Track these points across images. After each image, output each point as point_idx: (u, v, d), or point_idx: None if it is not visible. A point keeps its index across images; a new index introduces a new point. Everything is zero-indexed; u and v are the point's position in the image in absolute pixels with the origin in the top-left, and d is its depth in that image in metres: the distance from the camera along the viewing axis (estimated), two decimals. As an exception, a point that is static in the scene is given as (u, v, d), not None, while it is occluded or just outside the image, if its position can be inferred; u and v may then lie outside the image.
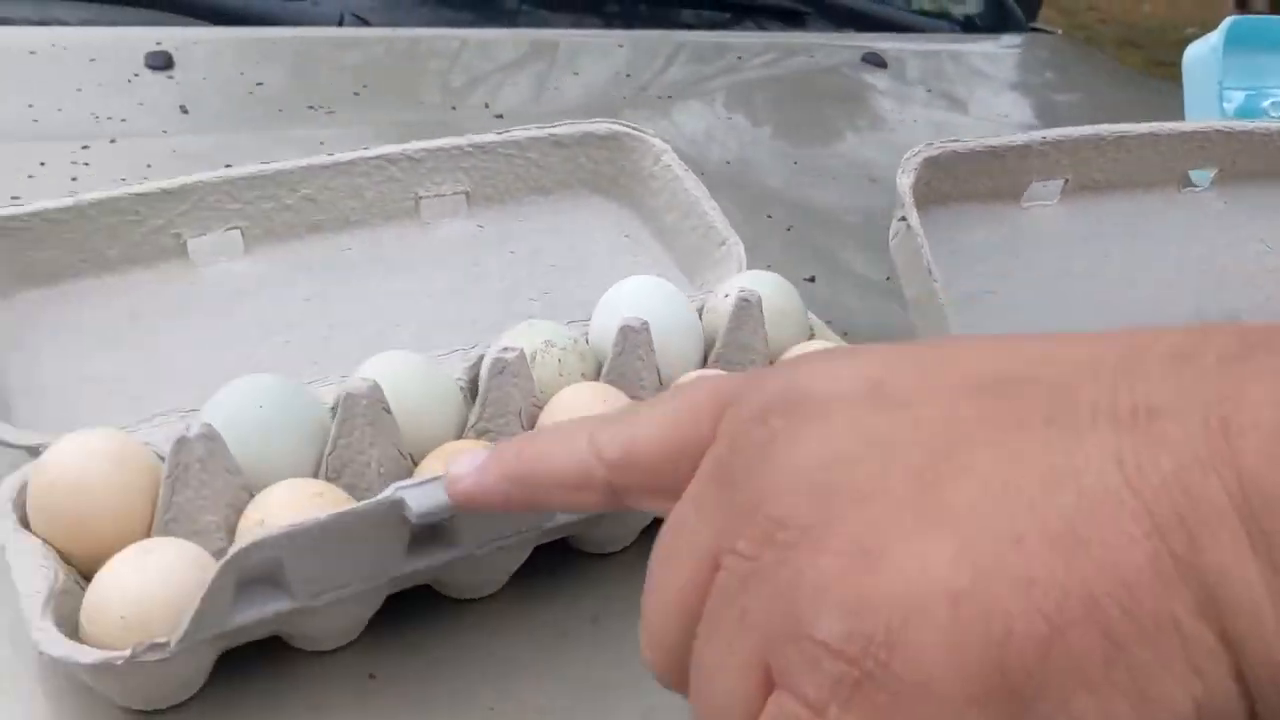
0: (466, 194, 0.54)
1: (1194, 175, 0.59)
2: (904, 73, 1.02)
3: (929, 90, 1.00)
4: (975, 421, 0.21)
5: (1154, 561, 0.18)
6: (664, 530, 0.24)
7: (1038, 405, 0.20)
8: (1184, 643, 0.18)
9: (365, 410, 0.38)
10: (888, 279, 0.64)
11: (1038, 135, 0.54)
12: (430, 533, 0.36)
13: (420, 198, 0.53)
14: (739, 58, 0.99)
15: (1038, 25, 1.34)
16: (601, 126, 0.56)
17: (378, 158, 0.51)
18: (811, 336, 0.49)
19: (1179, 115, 0.71)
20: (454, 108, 0.80)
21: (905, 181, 0.49)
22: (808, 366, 0.24)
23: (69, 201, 0.46)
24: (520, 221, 0.55)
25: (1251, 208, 0.60)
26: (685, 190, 0.55)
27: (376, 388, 0.38)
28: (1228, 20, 0.66)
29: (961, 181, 0.53)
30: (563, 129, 0.55)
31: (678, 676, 0.23)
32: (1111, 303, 0.55)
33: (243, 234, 0.49)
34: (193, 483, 0.36)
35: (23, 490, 0.37)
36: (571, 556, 0.42)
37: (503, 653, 0.38)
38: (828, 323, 0.52)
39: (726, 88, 0.92)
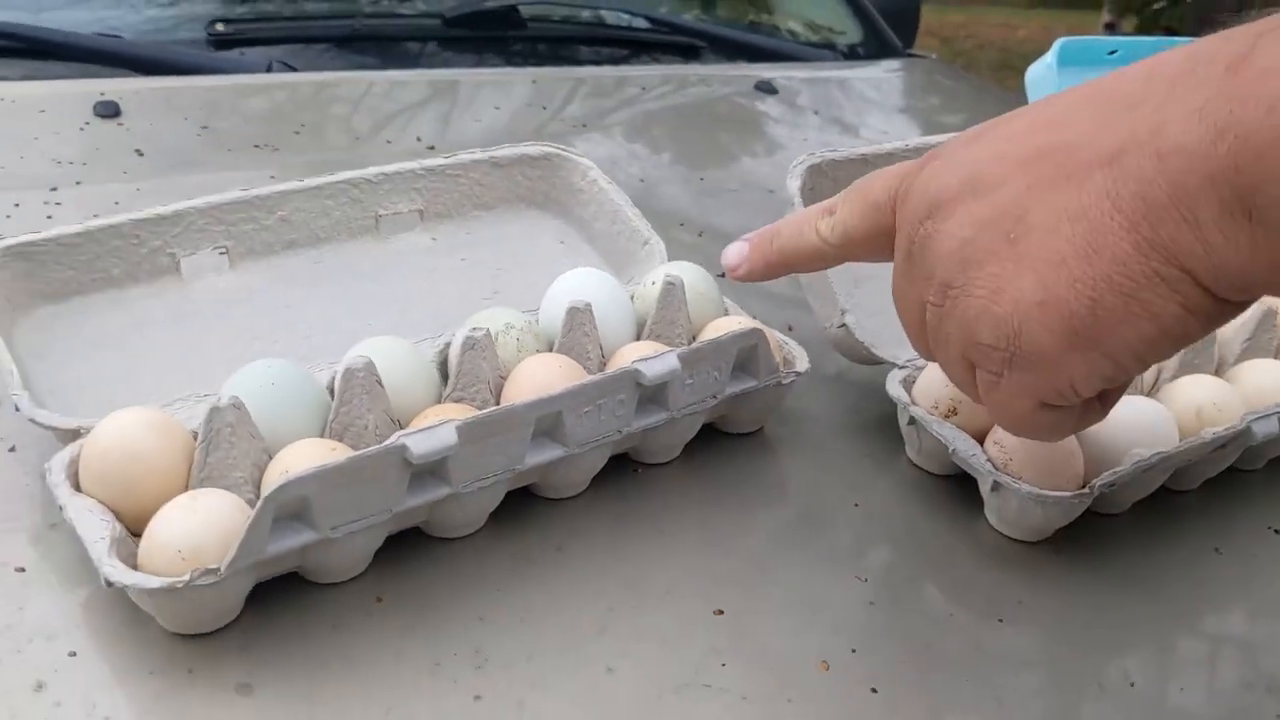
0: (420, 212, 0.62)
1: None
2: (794, 99, 1.13)
3: (817, 113, 1.11)
4: (1029, 189, 0.35)
5: (1135, 246, 0.32)
6: (894, 289, 0.41)
7: (1062, 166, 0.34)
8: (1164, 280, 0.32)
9: (362, 381, 0.46)
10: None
11: (900, 143, 0.64)
12: (426, 475, 0.44)
13: (380, 216, 0.61)
14: (641, 89, 1.08)
15: (913, 51, 1.47)
16: (535, 148, 0.65)
17: (342, 181, 0.59)
18: (725, 313, 0.58)
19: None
20: (389, 141, 0.88)
21: (794, 184, 0.59)
22: (935, 179, 0.38)
23: (80, 227, 0.53)
24: (468, 234, 0.63)
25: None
26: (610, 200, 0.64)
27: (371, 363, 0.46)
28: (1058, 42, 0.76)
29: (840, 185, 0.63)
30: (501, 152, 0.64)
31: (928, 357, 0.41)
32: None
33: (228, 252, 0.57)
34: (223, 445, 0.43)
35: (73, 463, 0.44)
36: (537, 501, 0.50)
37: (485, 577, 0.46)
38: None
39: (629, 119, 1.01)
